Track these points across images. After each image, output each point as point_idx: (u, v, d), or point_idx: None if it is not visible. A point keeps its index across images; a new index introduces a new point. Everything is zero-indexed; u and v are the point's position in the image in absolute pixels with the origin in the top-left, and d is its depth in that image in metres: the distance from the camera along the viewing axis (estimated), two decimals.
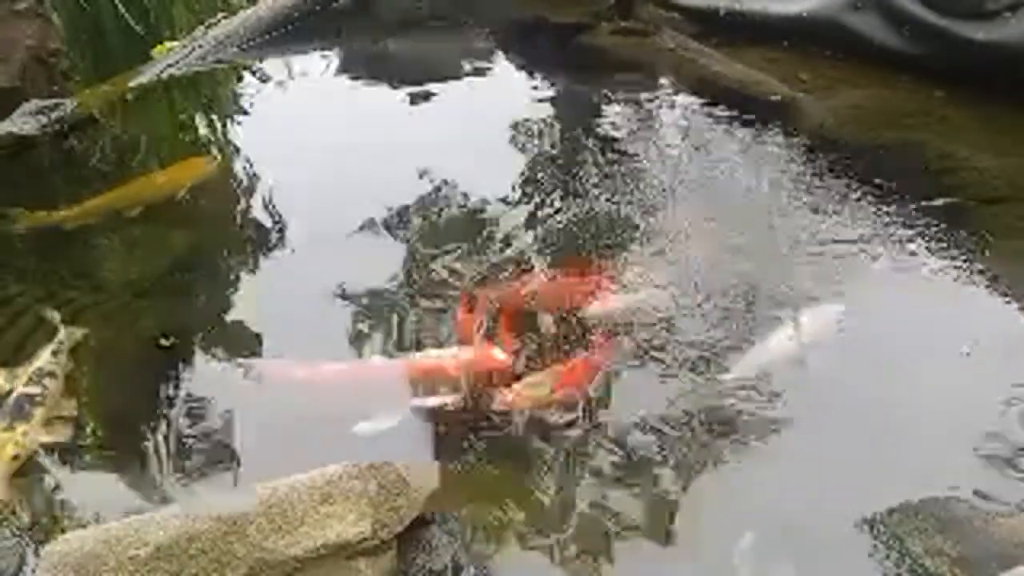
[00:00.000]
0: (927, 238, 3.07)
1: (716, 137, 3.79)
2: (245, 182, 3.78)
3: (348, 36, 5.06)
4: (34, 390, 2.52)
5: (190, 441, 2.47)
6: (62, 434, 2.47)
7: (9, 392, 2.53)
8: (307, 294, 3.00)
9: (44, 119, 4.07)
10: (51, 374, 2.59)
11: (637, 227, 3.18)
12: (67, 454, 2.42)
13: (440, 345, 2.73)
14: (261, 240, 3.34)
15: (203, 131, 4.45)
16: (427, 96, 4.42)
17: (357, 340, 2.82)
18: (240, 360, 2.72)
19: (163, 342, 2.77)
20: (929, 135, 3.59)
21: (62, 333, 2.74)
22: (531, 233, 3.22)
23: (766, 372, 2.55)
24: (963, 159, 3.41)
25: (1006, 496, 2.17)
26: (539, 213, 3.35)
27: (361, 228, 3.31)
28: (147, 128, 4.40)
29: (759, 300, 2.82)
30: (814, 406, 2.47)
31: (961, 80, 3.80)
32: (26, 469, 2.36)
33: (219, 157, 4.02)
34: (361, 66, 4.78)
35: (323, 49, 4.96)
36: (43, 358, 2.64)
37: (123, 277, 3.16)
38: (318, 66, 4.83)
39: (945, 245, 3.03)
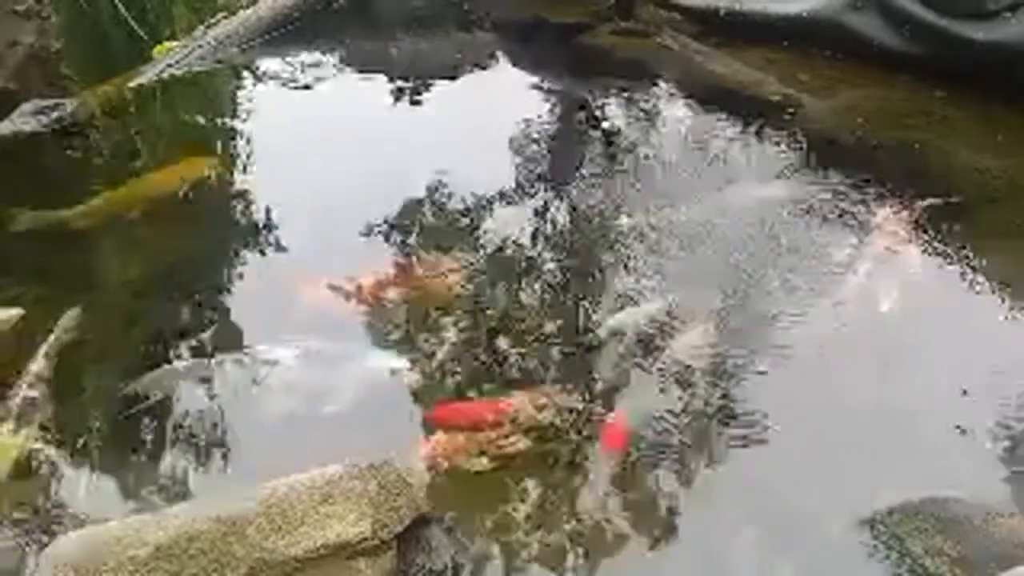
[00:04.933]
0: (927, 238, 3.07)
1: (715, 137, 3.78)
2: (245, 182, 3.77)
3: (348, 36, 5.06)
4: (33, 393, 2.53)
5: (190, 441, 2.47)
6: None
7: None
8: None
9: (44, 119, 4.06)
10: (44, 378, 2.59)
11: (634, 228, 3.18)
12: (67, 454, 2.42)
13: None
14: (261, 240, 3.34)
15: (203, 131, 4.44)
16: (427, 96, 4.42)
17: (360, 337, 2.82)
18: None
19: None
20: (929, 135, 3.58)
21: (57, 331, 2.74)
22: (528, 233, 3.22)
23: (764, 373, 2.55)
24: (963, 159, 3.41)
25: (1006, 496, 2.17)
26: (536, 213, 3.35)
27: (361, 227, 3.31)
28: (147, 128, 4.40)
29: (757, 300, 2.83)
30: (814, 407, 2.47)
31: (961, 80, 3.80)
32: (26, 469, 2.36)
33: (219, 157, 4.01)
34: (361, 66, 4.78)
35: (323, 49, 4.95)
36: (38, 361, 2.64)
37: (123, 277, 3.17)
38: (318, 66, 4.82)
39: (945, 245, 3.03)
